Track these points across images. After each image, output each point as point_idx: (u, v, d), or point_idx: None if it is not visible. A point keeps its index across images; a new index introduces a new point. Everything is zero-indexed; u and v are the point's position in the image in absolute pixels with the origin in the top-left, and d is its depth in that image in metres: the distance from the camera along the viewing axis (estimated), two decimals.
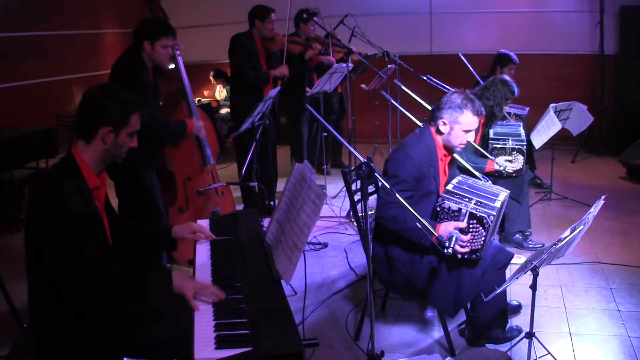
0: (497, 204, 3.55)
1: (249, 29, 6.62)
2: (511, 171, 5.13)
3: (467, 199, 3.54)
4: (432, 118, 3.94)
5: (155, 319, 2.81)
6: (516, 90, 5.39)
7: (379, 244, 3.92)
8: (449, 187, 3.67)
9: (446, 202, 3.56)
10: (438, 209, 3.59)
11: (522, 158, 5.24)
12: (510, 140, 5.23)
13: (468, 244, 3.52)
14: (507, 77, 5.46)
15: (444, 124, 3.84)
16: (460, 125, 3.82)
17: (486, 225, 3.47)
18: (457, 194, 3.59)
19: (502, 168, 5.01)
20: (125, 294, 2.68)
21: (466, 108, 3.79)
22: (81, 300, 2.61)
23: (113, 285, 2.65)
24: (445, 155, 3.98)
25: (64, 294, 2.61)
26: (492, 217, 3.46)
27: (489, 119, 5.27)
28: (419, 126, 4.87)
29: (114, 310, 2.69)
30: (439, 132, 3.89)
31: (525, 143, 5.26)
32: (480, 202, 3.52)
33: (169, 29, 4.69)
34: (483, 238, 3.51)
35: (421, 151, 3.82)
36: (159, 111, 4.96)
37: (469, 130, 3.86)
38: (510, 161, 5.18)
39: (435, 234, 3.25)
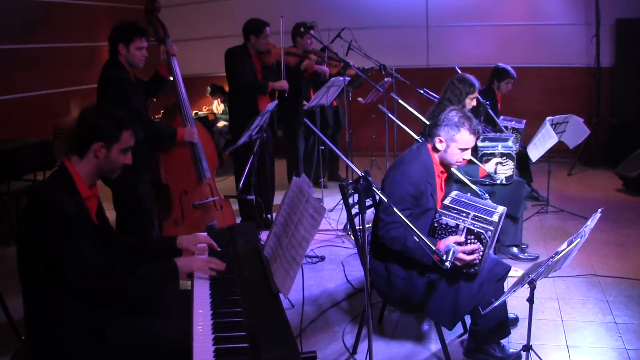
0: (495, 218, 3.55)
1: (244, 42, 6.64)
2: (503, 177, 5.12)
3: (464, 214, 3.54)
4: (428, 134, 3.95)
5: (156, 325, 2.86)
6: (476, 82, 5.37)
7: (378, 260, 3.93)
8: (446, 201, 3.67)
9: (443, 218, 3.56)
10: (435, 224, 3.59)
11: (512, 163, 5.24)
12: (499, 146, 5.24)
13: (471, 254, 3.52)
14: (463, 75, 5.44)
15: (441, 141, 3.85)
16: (456, 143, 3.83)
17: (484, 241, 3.47)
18: (454, 208, 3.59)
19: (498, 182, 5.02)
20: (135, 285, 2.82)
21: (463, 126, 3.79)
22: (94, 297, 2.73)
23: (123, 278, 2.78)
24: (442, 172, 3.99)
25: (77, 293, 2.71)
26: (489, 232, 3.46)
27: None
28: (416, 139, 4.90)
29: (124, 301, 2.85)
30: (435, 149, 3.89)
31: (513, 149, 5.25)
32: (478, 217, 3.52)
33: (141, 31, 4.82)
34: (481, 253, 3.52)
35: (418, 168, 3.83)
36: (147, 109, 5.02)
37: (466, 149, 3.87)
38: (501, 164, 5.19)
39: (434, 248, 3.25)
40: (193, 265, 2.96)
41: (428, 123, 5.17)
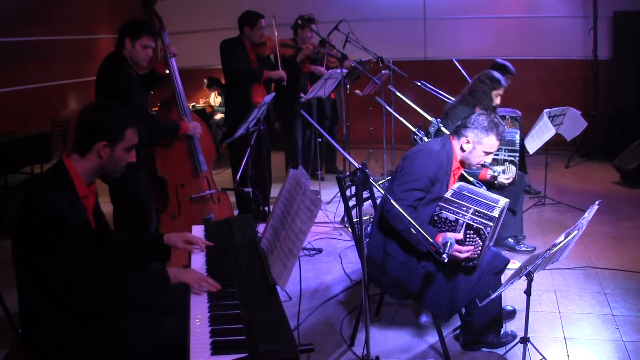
0: (496, 213, 3.55)
1: (239, 34, 6.63)
2: (504, 181, 5.12)
3: (464, 208, 3.54)
4: (455, 133, 3.99)
5: (153, 318, 2.84)
6: (502, 79, 5.39)
7: (381, 235, 3.93)
8: (447, 194, 3.69)
9: (443, 212, 3.57)
10: (435, 218, 3.60)
11: (515, 169, 5.24)
12: (502, 151, 5.22)
13: (466, 252, 3.54)
14: (491, 72, 5.46)
15: (468, 142, 3.91)
16: (482, 146, 3.89)
17: (483, 237, 3.48)
18: (454, 202, 3.59)
19: (496, 174, 5.01)
20: (119, 294, 2.72)
21: (492, 132, 3.86)
22: (74, 304, 2.65)
23: (106, 287, 2.68)
24: (458, 168, 4.02)
25: (56, 298, 2.64)
26: (489, 229, 3.47)
27: None
28: (413, 131, 4.91)
29: (108, 311, 2.73)
30: (461, 149, 3.94)
31: (517, 155, 5.25)
32: (478, 212, 3.52)
33: (151, 30, 4.81)
34: (480, 248, 3.53)
35: (441, 157, 3.89)
36: (147, 106, 5.00)
37: (490, 153, 3.94)
38: (502, 172, 5.19)
39: (431, 241, 3.26)
40: (184, 278, 2.83)
41: (427, 115, 5.19)
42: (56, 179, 2.77)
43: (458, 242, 3.51)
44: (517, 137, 5.34)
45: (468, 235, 3.53)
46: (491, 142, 3.89)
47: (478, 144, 3.89)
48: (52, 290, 2.63)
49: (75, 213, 2.70)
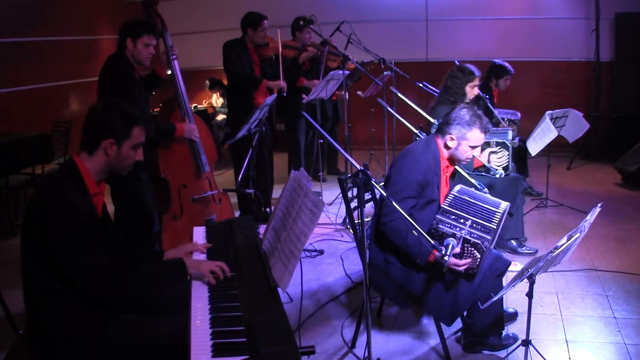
0: (495, 222, 3.54)
1: (241, 36, 6.63)
2: (498, 168, 5.11)
3: (462, 221, 3.53)
4: (439, 131, 3.96)
5: (154, 319, 2.85)
6: (475, 70, 5.41)
7: (378, 248, 3.92)
8: (445, 203, 3.66)
9: (440, 226, 3.55)
10: (433, 231, 3.59)
11: (507, 153, 5.23)
12: (495, 137, 5.24)
13: (464, 265, 3.54)
14: (463, 64, 5.46)
15: (452, 139, 3.87)
16: (467, 141, 3.85)
17: (481, 250, 3.48)
18: (452, 213, 3.57)
19: (497, 175, 5.01)
20: (142, 284, 2.79)
21: (474, 125, 3.81)
22: (99, 296, 2.70)
23: (128, 277, 2.75)
24: (447, 166, 4.00)
25: (81, 292, 2.68)
26: (487, 242, 3.46)
27: None
28: (415, 133, 4.90)
29: (130, 302, 2.78)
30: (446, 146, 3.91)
31: (509, 139, 5.25)
32: (476, 223, 3.51)
33: (152, 28, 4.81)
34: (479, 260, 3.52)
35: (428, 158, 3.86)
36: (148, 107, 5.03)
37: (476, 146, 3.90)
38: (495, 153, 5.19)
39: (432, 242, 3.25)
40: (201, 268, 2.91)
41: (429, 117, 5.19)
42: (68, 177, 2.80)
43: (456, 255, 3.51)
44: (509, 133, 5.34)
45: (466, 249, 3.53)
46: (475, 136, 3.84)
47: (463, 140, 3.84)
48: (77, 285, 2.67)
49: (88, 211, 2.74)
